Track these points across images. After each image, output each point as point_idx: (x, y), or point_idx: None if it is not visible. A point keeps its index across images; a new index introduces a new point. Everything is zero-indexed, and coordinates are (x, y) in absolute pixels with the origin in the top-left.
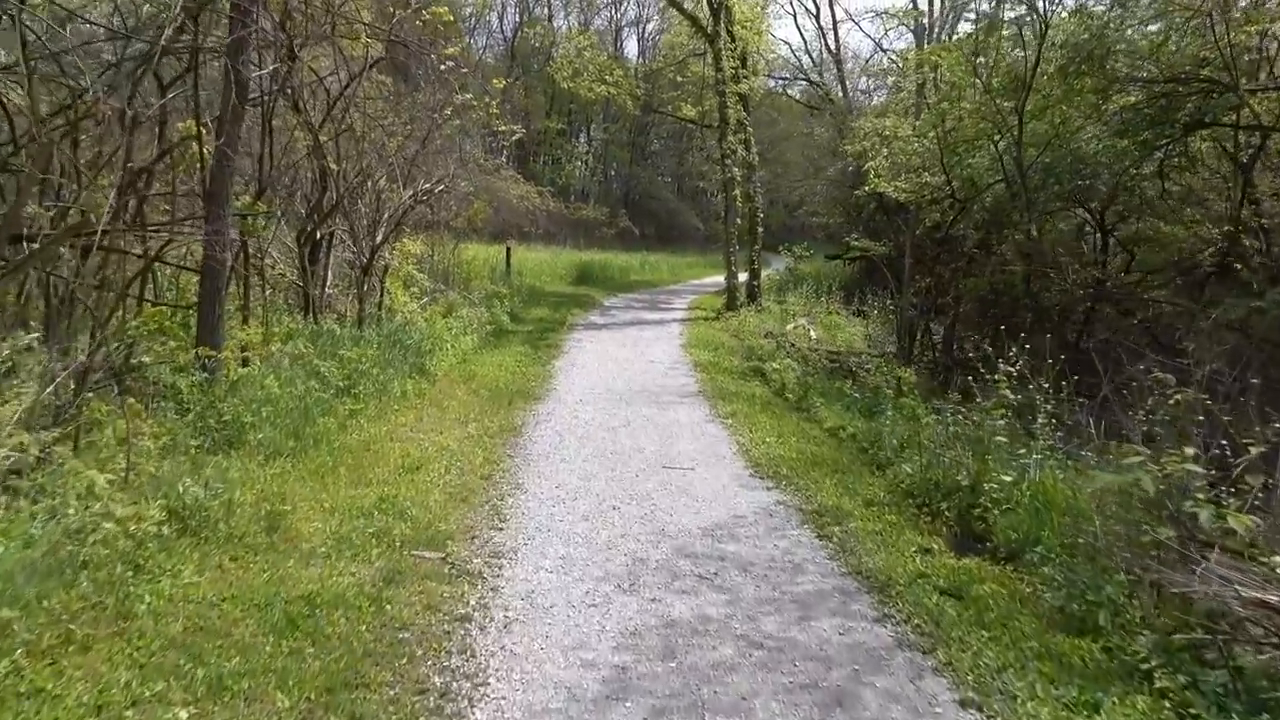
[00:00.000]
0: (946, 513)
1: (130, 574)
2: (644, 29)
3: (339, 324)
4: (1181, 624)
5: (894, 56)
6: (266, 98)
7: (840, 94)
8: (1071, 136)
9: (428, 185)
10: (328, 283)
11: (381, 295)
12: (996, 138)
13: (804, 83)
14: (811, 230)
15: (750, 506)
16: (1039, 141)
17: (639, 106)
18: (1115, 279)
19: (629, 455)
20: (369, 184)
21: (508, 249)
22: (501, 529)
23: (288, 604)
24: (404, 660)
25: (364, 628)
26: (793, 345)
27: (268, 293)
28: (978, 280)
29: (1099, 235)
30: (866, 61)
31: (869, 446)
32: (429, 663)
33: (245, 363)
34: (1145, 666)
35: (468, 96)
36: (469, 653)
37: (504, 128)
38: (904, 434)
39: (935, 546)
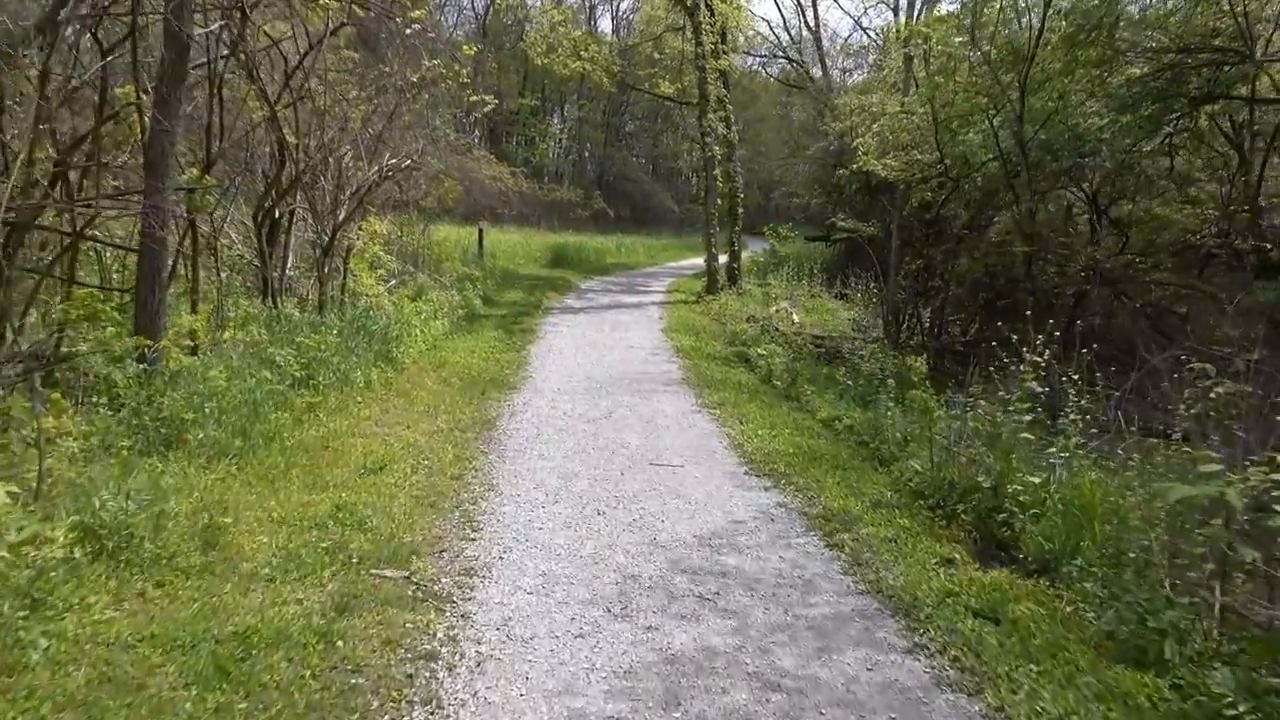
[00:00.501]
0: (963, 516)
1: (24, 613)
2: (618, 6)
3: (300, 308)
4: (1266, 658)
5: (876, 33)
6: (215, 62)
7: (820, 72)
8: (1072, 112)
9: (395, 160)
10: (289, 264)
11: (345, 278)
12: (992, 113)
13: (783, 61)
14: (789, 212)
15: (749, 510)
16: (1036, 118)
17: (615, 83)
18: (1111, 260)
19: (613, 451)
20: (331, 159)
21: (480, 230)
22: (474, 539)
23: (219, 644)
24: (355, 716)
25: (309, 672)
26: (776, 329)
27: (224, 275)
28: (973, 262)
29: (1091, 216)
30: (845, 40)
31: (869, 439)
32: (385, 718)
33: (194, 351)
34: (1230, 712)
35: (435, 63)
36: (434, 703)
37: (475, 97)
38: (906, 427)
39: (957, 556)
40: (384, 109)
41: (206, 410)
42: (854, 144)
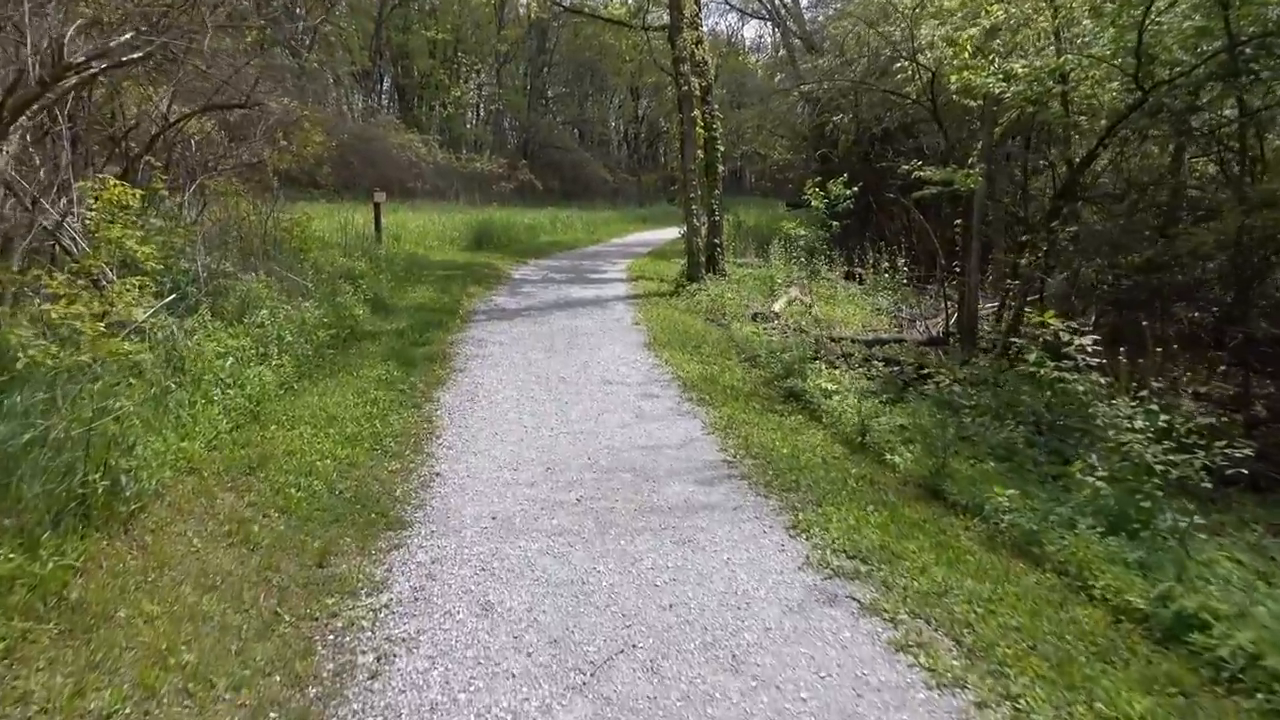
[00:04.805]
0: None
1: None
2: None
3: None
4: None
5: None
6: None
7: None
8: None
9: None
10: None
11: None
12: None
13: None
14: (758, 181)
15: None
16: None
17: (548, 7)
18: None
19: None
20: None
21: (376, 206)
22: None
23: None
24: None
25: None
26: (801, 331)
27: None
28: (1221, 221)
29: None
30: None
31: None
32: None
33: None
34: None
35: None
36: None
37: None
38: None
39: None
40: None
41: None
42: (959, 42)
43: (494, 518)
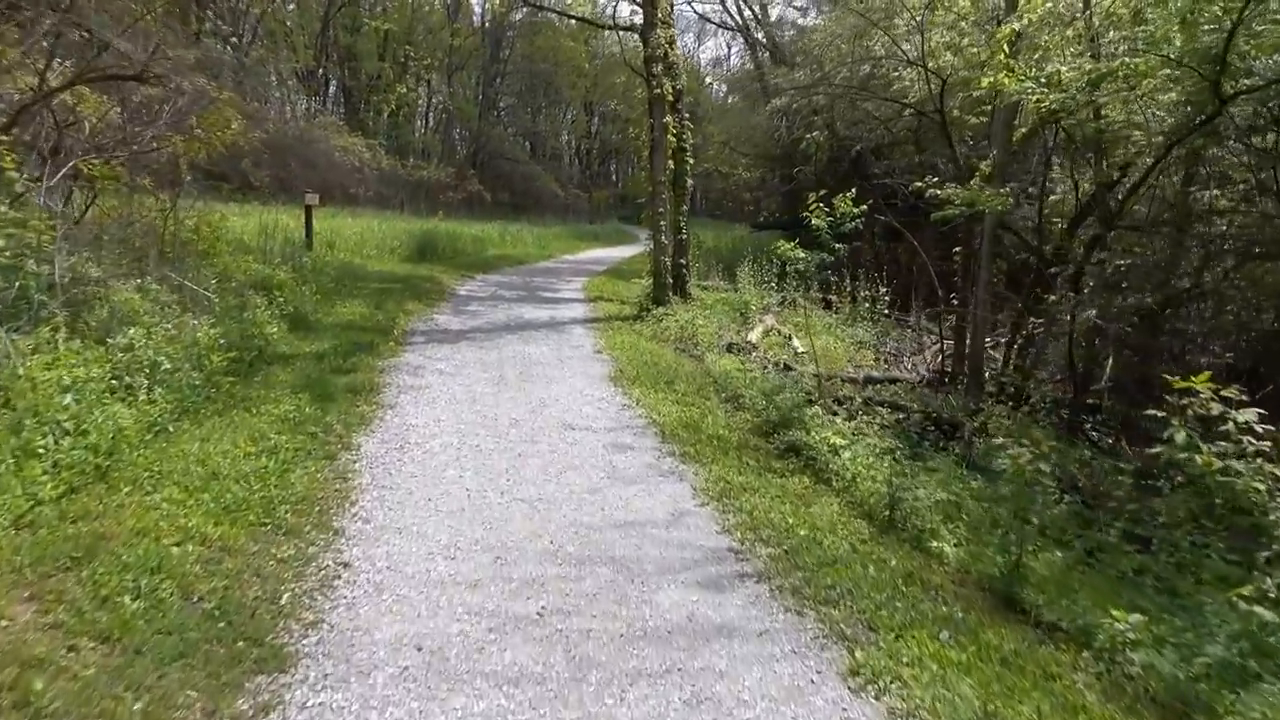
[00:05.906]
0: None
1: None
2: None
3: None
4: None
5: None
6: None
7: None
8: None
9: None
10: None
11: None
12: None
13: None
14: (720, 203)
15: None
16: None
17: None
18: None
19: None
20: None
21: (307, 209)
22: None
23: None
24: None
25: None
26: (786, 367)
27: None
28: None
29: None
30: None
31: None
32: None
33: None
34: None
35: None
36: None
37: None
38: None
39: None
40: None
41: None
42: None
43: (419, 648)
